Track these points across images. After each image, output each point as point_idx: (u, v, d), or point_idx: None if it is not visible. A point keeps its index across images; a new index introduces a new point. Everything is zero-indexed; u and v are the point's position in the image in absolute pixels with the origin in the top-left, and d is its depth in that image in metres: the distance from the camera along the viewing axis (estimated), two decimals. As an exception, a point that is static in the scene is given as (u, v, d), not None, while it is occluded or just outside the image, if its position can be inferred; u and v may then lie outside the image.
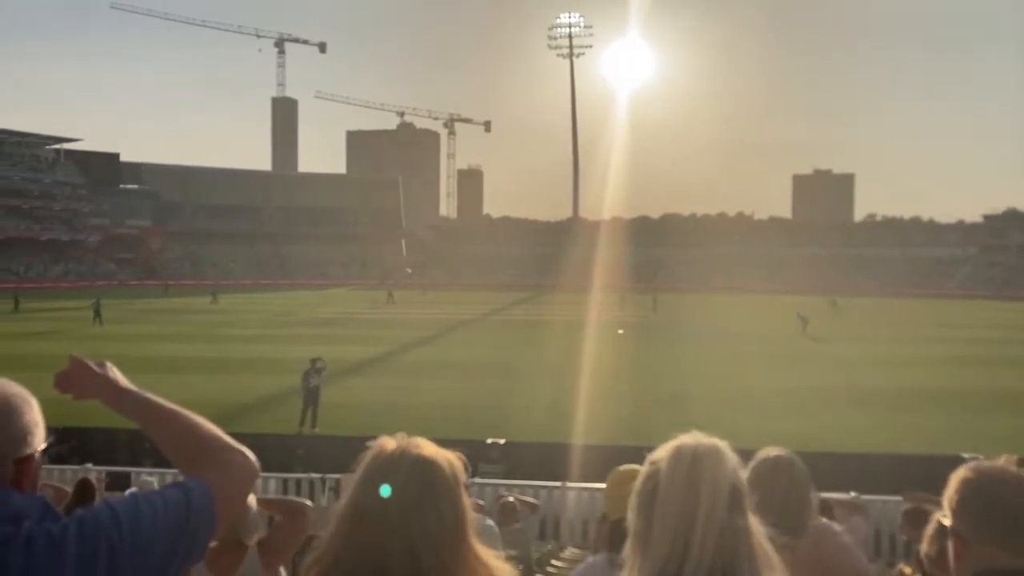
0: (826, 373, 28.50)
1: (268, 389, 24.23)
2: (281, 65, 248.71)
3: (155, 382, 1.83)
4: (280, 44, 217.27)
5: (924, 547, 3.43)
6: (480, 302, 68.46)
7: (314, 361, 18.76)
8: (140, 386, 1.75)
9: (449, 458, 1.67)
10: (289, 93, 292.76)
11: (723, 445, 1.61)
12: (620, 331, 41.26)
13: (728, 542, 1.52)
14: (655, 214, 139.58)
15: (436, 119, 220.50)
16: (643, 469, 1.65)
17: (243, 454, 1.68)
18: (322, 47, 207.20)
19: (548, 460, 12.76)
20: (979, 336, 42.96)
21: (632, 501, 1.63)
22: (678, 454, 1.59)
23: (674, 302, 68.19)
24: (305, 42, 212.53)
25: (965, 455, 13.94)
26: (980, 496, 1.80)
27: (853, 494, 11.30)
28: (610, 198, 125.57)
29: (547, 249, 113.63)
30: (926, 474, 12.86)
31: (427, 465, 1.61)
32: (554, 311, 58.57)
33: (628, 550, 1.61)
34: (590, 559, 3.04)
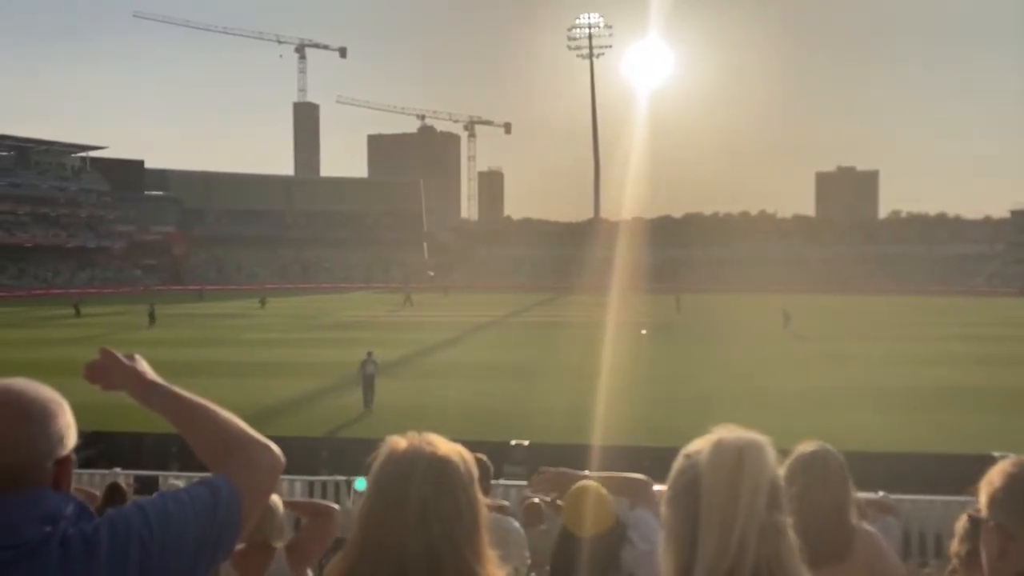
0: (844, 372, 28.27)
1: (292, 392, 24.41)
2: (302, 70, 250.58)
3: (189, 385, 1.83)
4: (301, 50, 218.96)
5: (955, 546, 3.36)
6: (501, 304, 68.48)
7: (370, 353, 22.48)
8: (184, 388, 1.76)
9: (463, 454, 1.65)
10: (310, 98, 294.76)
11: (764, 439, 1.58)
12: (643, 331, 41.12)
13: (770, 540, 1.50)
14: (677, 214, 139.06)
15: (456, 122, 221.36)
16: (677, 463, 1.62)
17: (269, 448, 1.68)
18: (342, 52, 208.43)
19: (571, 461, 12.70)
20: (1004, 334, 42.41)
21: (667, 495, 1.60)
22: (720, 448, 1.55)
23: (697, 302, 67.88)
24: (326, 47, 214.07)
25: (995, 454, 13.79)
26: None
27: (882, 494, 11.22)
28: (631, 198, 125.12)
29: (568, 250, 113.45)
30: (954, 473, 12.73)
31: (442, 463, 1.59)
32: (575, 312, 58.47)
33: (663, 547, 1.59)
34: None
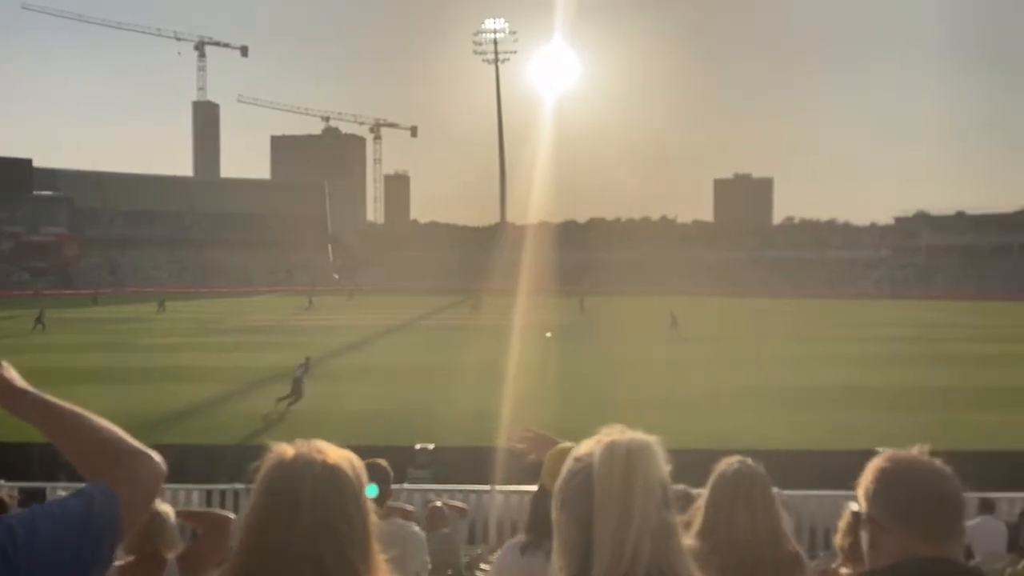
0: (737, 373, 29.16)
1: (193, 398, 23.70)
2: (202, 69, 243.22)
3: (81, 394, 1.77)
4: (200, 47, 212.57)
5: (839, 539, 3.47)
6: (408, 307, 68.07)
7: (307, 359, 23.65)
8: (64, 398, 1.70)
9: (352, 461, 1.62)
10: (211, 97, 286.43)
11: (653, 440, 1.59)
12: (548, 334, 41.51)
13: (663, 540, 1.50)
14: (582, 218, 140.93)
15: (362, 124, 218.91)
16: (567, 465, 1.60)
17: (148, 456, 1.63)
18: (244, 51, 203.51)
19: (477, 464, 12.77)
20: (888, 335, 44.57)
21: (556, 499, 1.58)
22: (611, 450, 1.54)
23: (601, 305, 69.00)
24: (226, 45, 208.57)
25: (878, 449, 14.49)
26: (899, 484, 1.83)
27: (776, 490, 11.66)
28: (537, 203, 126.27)
29: (475, 253, 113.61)
30: (840, 468, 13.34)
31: (332, 470, 1.56)
32: (481, 315, 58.62)
33: (556, 550, 1.57)
34: (507, 543, 2.92)
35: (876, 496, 1.85)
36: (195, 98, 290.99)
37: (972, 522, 9.70)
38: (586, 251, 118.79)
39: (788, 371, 29.42)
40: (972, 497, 11.07)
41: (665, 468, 1.58)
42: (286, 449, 1.61)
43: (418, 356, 34.01)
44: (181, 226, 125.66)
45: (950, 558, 1.79)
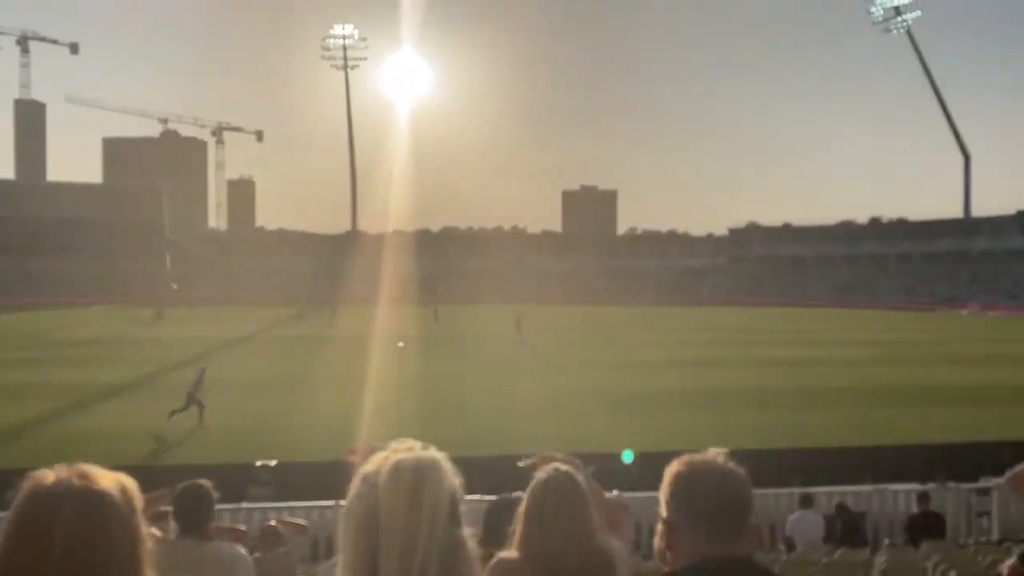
0: (580, 378, 29.98)
1: (12, 418, 21.95)
2: (25, 65, 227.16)
3: None
4: (23, 42, 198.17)
5: (656, 541, 3.59)
6: (254, 318, 65.81)
7: (203, 369, 22.17)
8: None
9: (122, 483, 1.52)
10: (35, 96, 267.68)
11: (441, 456, 1.58)
12: (400, 344, 41.22)
13: (450, 554, 1.51)
14: (436, 227, 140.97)
15: (203, 127, 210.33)
16: (354, 486, 1.57)
17: None
18: (73, 47, 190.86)
19: (323, 479, 12.48)
20: (720, 339, 47.02)
21: (344, 523, 1.56)
22: (397, 470, 1.53)
23: (455, 313, 69.18)
24: (54, 41, 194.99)
25: (707, 449, 15.22)
26: (688, 487, 1.90)
27: (616, 492, 12.03)
28: (391, 211, 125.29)
29: (326, 262, 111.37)
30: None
31: (95, 496, 1.45)
32: (333, 325, 57.45)
33: (341, 566, 1.55)
34: (325, 563, 2.86)
35: (671, 499, 1.92)
36: (17, 96, 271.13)
37: (793, 516, 10.38)
38: (441, 260, 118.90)
39: (627, 373, 30.43)
40: (795, 493, 11.83)
41: (455, 482, 1.58)
42: (45, 475, 1.48)
43: (265, 369, 32.89)
44: (2, 232, 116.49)
45: (739, 556, 1.87)
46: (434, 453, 1.60)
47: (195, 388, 21.21)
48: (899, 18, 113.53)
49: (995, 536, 12.32)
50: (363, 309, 64.67)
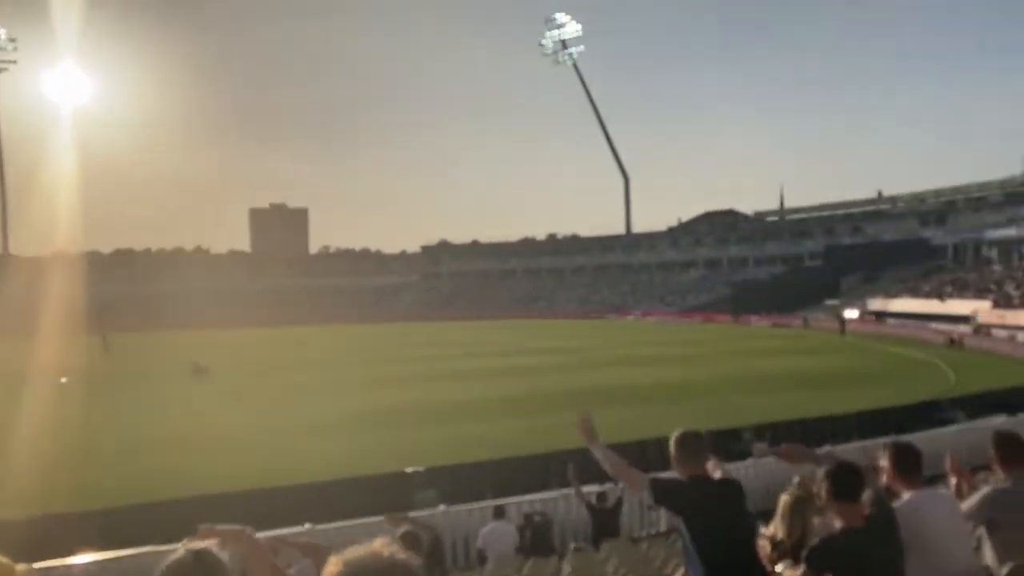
0: (271, 407, 28.92)
1: None
2: None
3: None
4: None
5: None
6: None
7: None
8: None
9: None
10: None
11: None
12: (63, 379, 36.94)
13: None
14: (106, 249, 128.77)
15: None
16: None
17: None
18: None
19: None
20: (422, 355, 47.84)
21: None
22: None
23: (129, 343, 63.55)
24: None
25: (408, 470, 15.24)
26: None
27: (308, 526, 11.56)
28: (52, 231, 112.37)
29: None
30: (375, 495, 13.75)
31: None
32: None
33: None
34: None
35: None
36: None
37: (485, 528, 10.62)
38: (115, 284, 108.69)
39: (320, 399, 29.82)
40: (488, 505, 12.13)
41: None
42: None
43: None
44: None
45: None
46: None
47: None
48: (566, 51, 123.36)
49: (663, 527, 13.54)
50: (19, 342, 57.27)
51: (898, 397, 24.12)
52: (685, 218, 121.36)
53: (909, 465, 4.08)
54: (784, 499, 4.97)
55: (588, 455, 15.61)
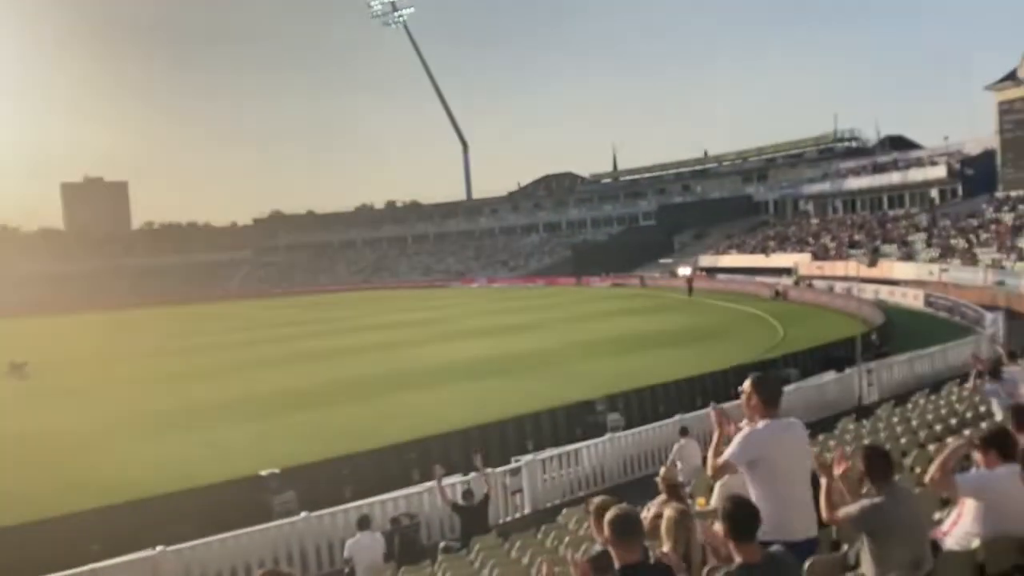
0: (90, 406, 27.09)
1: None
2: None
3: None
4: None
5: None
6: None
7: None
8: None
9: None
10: None
11: None
12: None
13: None
14: None
15: None
16: None
17: None
18: None
19: None
20: (265, 337, 46.02)
21: None
22: None
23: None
24: None
25: (263, 473, 14.42)
26: None
27: (160, 548, 10.68)
28: None
29: None
30: (232, 504, 12.89)
31: None
32: None
33: None
34: None
35: None
36: None
37: (351, 540, 10.15)
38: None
39: (155, 395, 28.10)
40: (350, 510, 11.64)
41: None
42: None
43: None
44: None
45: None
46: None
47: None
48: (396, 13, 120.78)
49: (527, 510, 13.54)
50: None
51: (737, 354, 25.29)
52: (524, 182, 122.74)
53: (770, 395, 4.60)
54: (668, 515, 4.98)
55: (448, 441, 15.19)
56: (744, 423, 4.76)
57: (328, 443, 17.71)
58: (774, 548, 3.89)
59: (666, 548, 4.86)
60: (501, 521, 12.81)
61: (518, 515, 13.35)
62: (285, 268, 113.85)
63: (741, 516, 3.79)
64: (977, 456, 5.01)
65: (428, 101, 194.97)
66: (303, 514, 11.54)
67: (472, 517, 10.99)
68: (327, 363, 32.93)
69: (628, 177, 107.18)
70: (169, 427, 22.28)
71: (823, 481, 4.80)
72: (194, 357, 37.99)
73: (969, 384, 12.61)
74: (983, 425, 9.52)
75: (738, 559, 3.77)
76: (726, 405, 5.07)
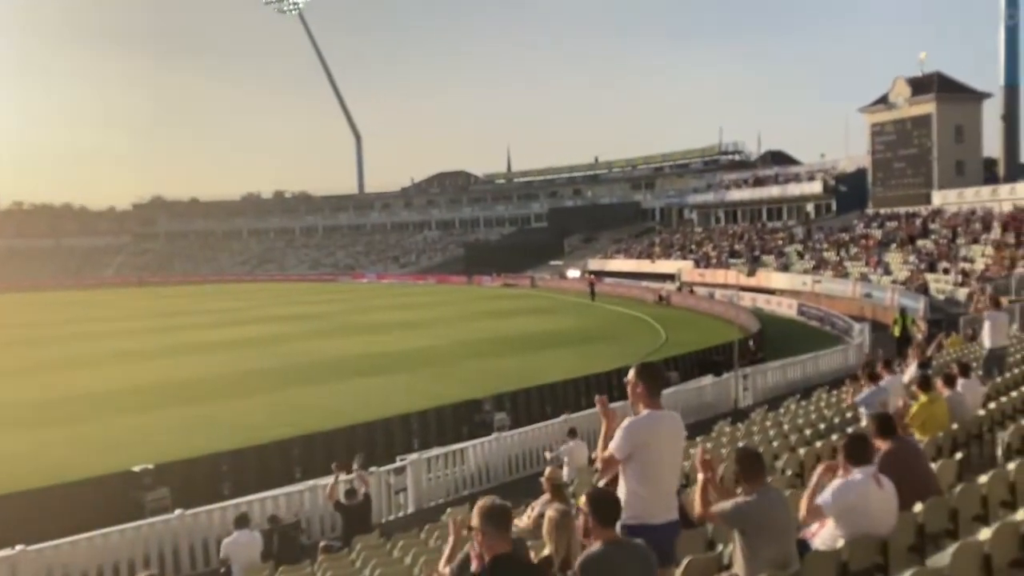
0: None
1: None
2: None
3: None
4: None
5: None
6: None
7: None
8: None
9: None
10: None
11: None
12: None
13: None
14: None
15: None
16: None
17: None
18: None
19: None
20: (149, 327, 44.20)
21: None
22: None
23: None
24: None
25: (136, 468, 13.86)
26: None
27: (20, 547, 10.12)
28: None
29: None
30: (101, 501, 12.32)
31: None
32: None
33: None
34: None
35: None
36: None
37: (228, 539, 9.87)
38: None
39: (24, 385, 26.64)
40: (228, 508, 11.34)
41: None
42: None
43: None
44: None
45: None
46: None
47: None
48: (291, 0, 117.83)
49: (411, 510, 13.49)
50: None
51: (622, 357, 25.89)
52: (418, 179, 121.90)
53: (653, 382, 4.84)
54: (550, 516, 5.04)
55: (333, 438, 15.04)
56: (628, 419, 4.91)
57: (211, 438, 17.21)
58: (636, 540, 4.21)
59: (547, 551, 4.93)
60: (384, 520, 12.73)
61: (401, 514, 13.30)
62: (165, 256, 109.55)
63: (604, 504, 4.16)
64: (840, 458, 5.28)
65: (322, 91, 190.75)
66: (177, 512, 11.17)
67: (355, 516, 10.88)
68: (211, 356, 31.94)
69: (521, 179, 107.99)
70: (39, 420, 21.15)
71: (699, 477, 4.97)
72: (68, 346, 36.15)
73: (848, 390, 12.76)
74: (849, 431, 10.04)
75: (598, 543, 4.06)
76: (613, 406, 5.19)
